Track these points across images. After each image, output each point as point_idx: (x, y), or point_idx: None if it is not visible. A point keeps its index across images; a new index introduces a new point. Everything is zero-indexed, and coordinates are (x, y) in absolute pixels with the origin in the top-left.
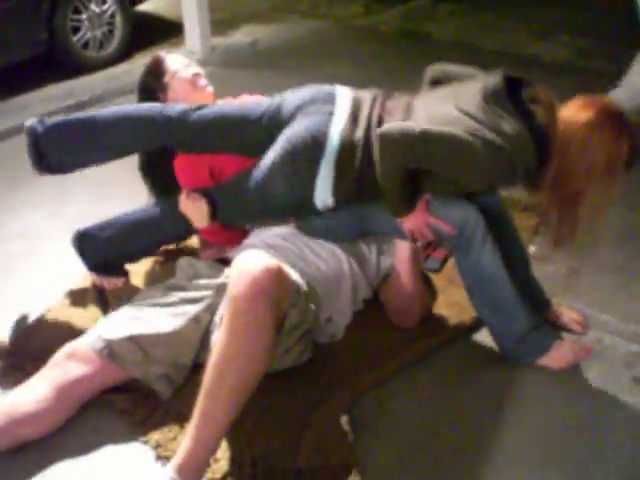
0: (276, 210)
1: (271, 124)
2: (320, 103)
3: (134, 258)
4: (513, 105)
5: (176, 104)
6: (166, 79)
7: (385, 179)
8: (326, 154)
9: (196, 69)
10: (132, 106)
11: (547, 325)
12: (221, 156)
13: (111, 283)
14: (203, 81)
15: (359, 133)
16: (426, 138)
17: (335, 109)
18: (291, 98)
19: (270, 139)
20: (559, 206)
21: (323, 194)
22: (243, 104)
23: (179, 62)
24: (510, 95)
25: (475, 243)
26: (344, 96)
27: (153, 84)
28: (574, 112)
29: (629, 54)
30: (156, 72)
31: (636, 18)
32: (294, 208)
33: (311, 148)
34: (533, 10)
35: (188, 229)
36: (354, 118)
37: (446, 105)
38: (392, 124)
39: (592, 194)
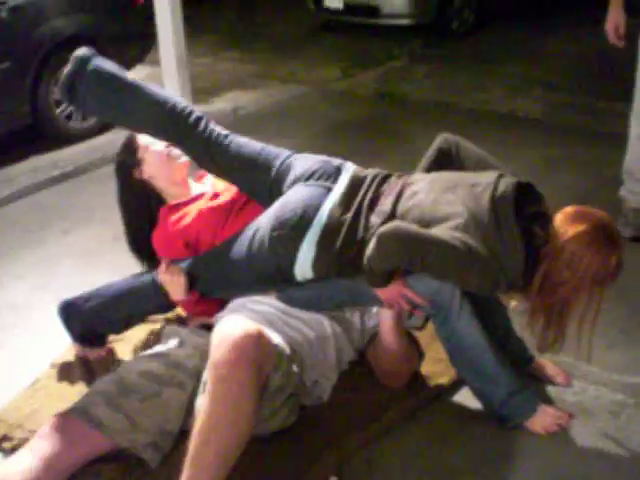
0: (258, 277)
1: (275, 181)
2: (324, 177)
3: (118, 328)
4: (516, 219)
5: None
6: (140, 154)
7: (374, 269)
8: (312, 229)
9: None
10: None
11: (529, 389)
12: (196, 227)
13: (94, 353)
14: (176, 151)
15: (347, 215)
16: (423, 247)
17: (334, 186)
18: (300, 164)
19: (269, 195)
20: (545, 313)
21: (304, 267)
22: (267, 146)
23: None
24: (516, 204)
25: (451, 313)
26: (347, 173)
27: (128, 161)
28: (567, 222)
29: (601, 106)
30: (130, 149)
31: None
32: (275, 277)
33: (300, 219)
34: (507, 67)
35: (169, 301)
36: (347, 199)
37: (450, 197)
38: (392, 226)
39: (580, 303)
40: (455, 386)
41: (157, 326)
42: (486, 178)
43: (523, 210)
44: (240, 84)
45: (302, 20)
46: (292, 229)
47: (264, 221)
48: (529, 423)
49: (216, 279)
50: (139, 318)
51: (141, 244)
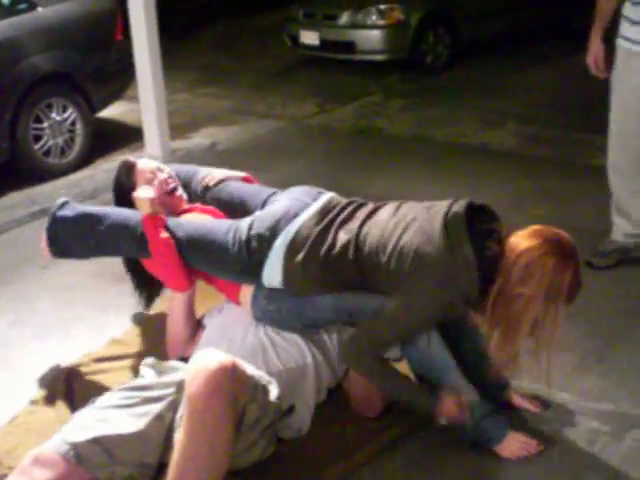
0: (225, 258)
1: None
2: (307, 196)
3: (88, 252)
4: (469, 235)
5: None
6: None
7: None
8: (284, 233)
9: (165, 175)
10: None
11: (500, 414)
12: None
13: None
14: (175, 187)
15: (316, 229)
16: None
17: (312, 203)
18: (283, 194)
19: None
20: (500, 329)
21: (272, 270)
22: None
23: (148, 172)
24: (469, 223)
25: (421, 341)
26: (326, 195)
27: (128, 196)
28: (522, 237)
29: (576, 138)
30: (128, 184)
31: None
32: (242, 266)
33: (276, 222)
34: (481, 101)
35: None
36: (322, 214)
37: (408, 220)
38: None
39: (532, 319)
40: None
41: (135, 362)
42: (443, 202)
43: (476, 227)
44: (218, 120)
45: (279, 56)
46: (268, 229)
47: (245, 220)
48: (498, 448)
49: (190, 243)
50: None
51: (134, 262)
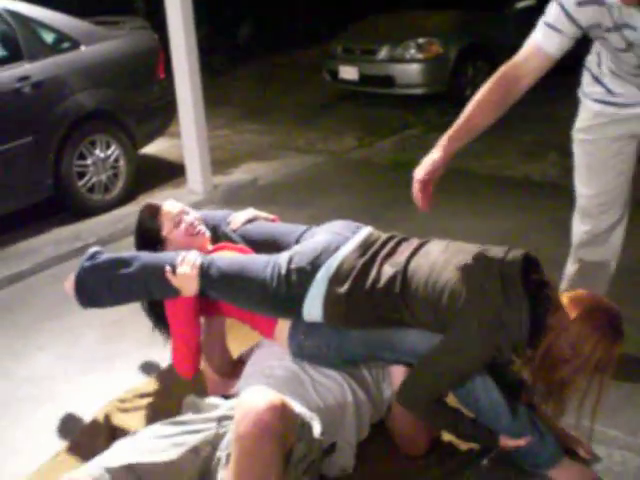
0: (264, 298)
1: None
2: (346, 230)
3: (118, 300)
4: (523, 285)
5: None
6: (165, 232)
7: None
8: (326, 266)
9: (191, 217)
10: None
11: (552, 435)
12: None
13: None
14: (199, 226)
15: (359, 261)
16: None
17: (352, 236)
18: (321, 229)
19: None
20: (545, 386)
21: (313, 302)
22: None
23: (175, 214)
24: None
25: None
26: (366, 229)
27: (154, 238)
28: (577, 302)
29: None
30: (153, 227)
31: None
32: (282, 304)
33: (317, 256)
34: (521, 132)
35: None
36: (364, 247)
37: (460, 258)
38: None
39: (579, 385)
40: (478, 456)
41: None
42: (498, 247)
43: (528, 278)
44: (259, 155)
45: (318, 91)
46: (309, 263)
47: (284, 254)
48: (556, 475)
49: (225, 278)
50: (141, 296)
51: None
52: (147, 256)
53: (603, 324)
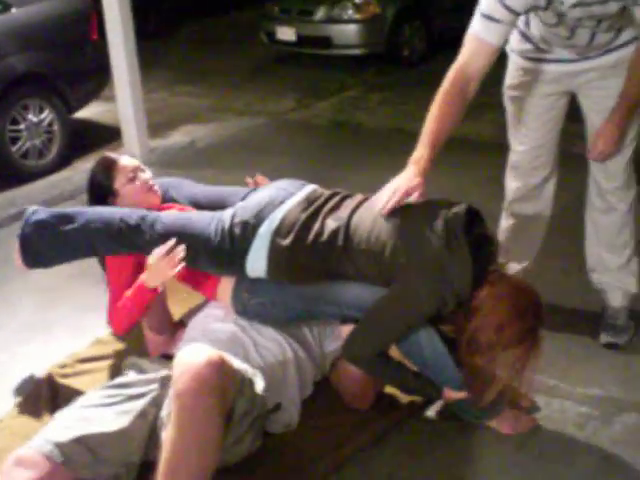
0: (209, 249)
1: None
2: (291, 186)
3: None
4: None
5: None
6: (117, 185)
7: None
8: (269, 220)
9: (147, 175)
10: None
11: None
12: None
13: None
14: (153, 184)
15: (303, 215)
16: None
17: (297, 192)
18: (266, 186)
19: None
20: (472, 371)
21: (256, 258)
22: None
23: (130, 170)
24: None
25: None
26: (309, 186)
27: (103, 189)
28: (498, 294)
29: None
30: (106, 182)
31: None
32: (226, 257)
33: (261, 210)
34: None
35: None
36: (308, 202)
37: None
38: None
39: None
40: (421, 408)
41: (118, 361)
42: (441, 199)
43: (472, 231)
44: (196, 117)
45: (256, 53)
46: (252, 217)
47: (228, 210)
48: (497, 425)
49: (169, 234)
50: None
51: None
52: (92, 212)
53: (525, 310)
